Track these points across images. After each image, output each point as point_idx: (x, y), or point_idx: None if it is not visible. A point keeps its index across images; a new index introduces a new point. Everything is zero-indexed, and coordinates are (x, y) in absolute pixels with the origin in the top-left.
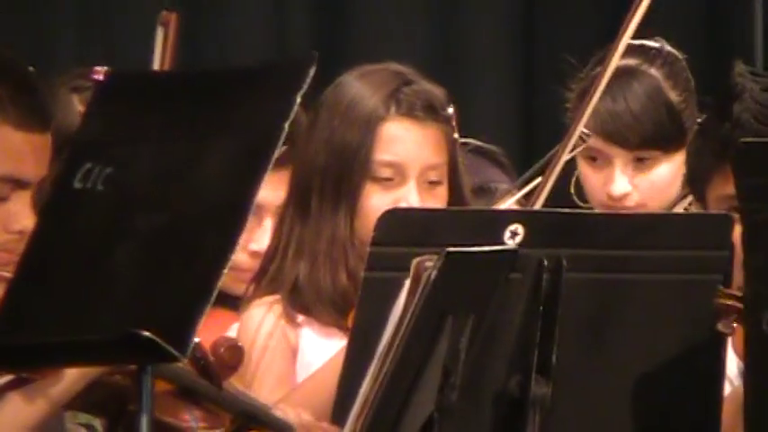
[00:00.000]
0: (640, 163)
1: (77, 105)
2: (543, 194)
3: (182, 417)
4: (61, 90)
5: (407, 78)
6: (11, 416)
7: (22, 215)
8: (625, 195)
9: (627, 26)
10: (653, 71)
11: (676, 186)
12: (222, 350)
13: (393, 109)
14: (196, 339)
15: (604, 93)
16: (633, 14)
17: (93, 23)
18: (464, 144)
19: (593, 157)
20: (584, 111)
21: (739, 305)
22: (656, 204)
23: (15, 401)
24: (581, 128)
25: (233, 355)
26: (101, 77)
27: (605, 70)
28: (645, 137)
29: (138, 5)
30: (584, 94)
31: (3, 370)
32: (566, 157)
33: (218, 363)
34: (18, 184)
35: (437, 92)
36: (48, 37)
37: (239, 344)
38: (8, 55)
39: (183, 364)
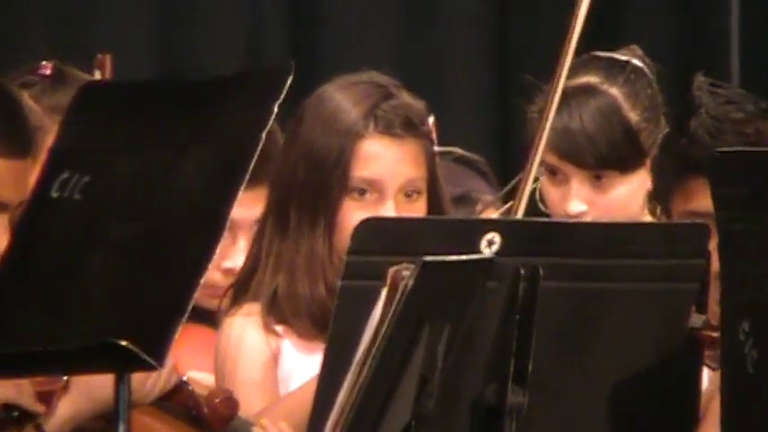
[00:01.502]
0: (598, 181)
1: (28, 101)
2: (522, 204)
3: None
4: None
5: (388, 92)
6: None
7: (1, 239)
8: (581, 214)
9: (569, 41)
10: (613, 90)
11: (637, 203)
12: (217, 401)
13: (372, 126)
14: (190, 387)
15: (563, 110)
16: (573, 30)
17: (68, 24)
18: (447, 153)
19: (553, 171)
20: (543, 126)
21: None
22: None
23: None
24: (543, 144)
25: (228, 407)
26: (48, 72)
27: (555, 86)
28: (600, 157)
29: (114, 10)
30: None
31: None
32: (533, 174)
33: (211, 414)
34: None
35: (416, 106)
36: (20, 39)
37: (234, 395)
38: None
39: (177, 415)
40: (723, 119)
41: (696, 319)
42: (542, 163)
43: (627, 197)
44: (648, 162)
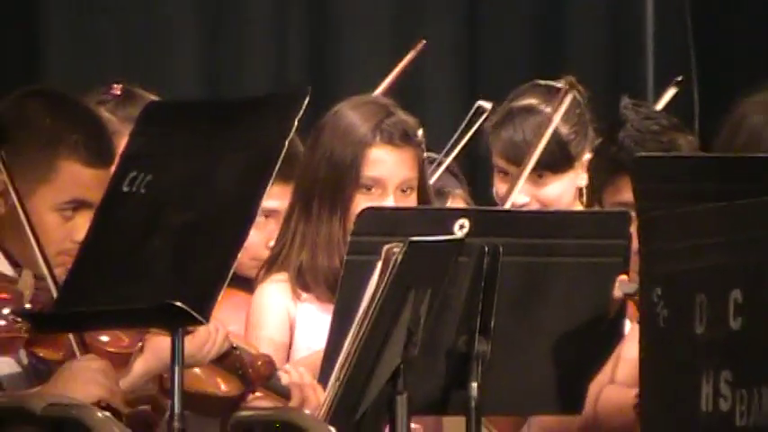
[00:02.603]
0: (537, 179)
1: (105, 114)
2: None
3: (216, 384)
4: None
5: (389, 110)
6: None
7: (84, 229)
8: (523, 205)
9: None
10: (548, 110)
11: (569, 196)
12: (259, 363)
13: (378, 138)
14: (237, 352)
15: (509, 125)
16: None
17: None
18: (427, 157)
19: (503, 172)
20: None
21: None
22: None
23: None
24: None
25: (267, 369)
26: (118, 92)
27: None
28: (537, 161)
29: (169, 44)
30: (503, 122)
31: (66, 331)
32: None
33: (254, 373)
34: (83, 204)
35: (411, 121)
36: (96, 58)
37: (272, 359)
38: (83, 105)
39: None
40: (645, 131)
41: (630, 287)
42: (495, 166)
43: (559, 192)
44: (577, 164)
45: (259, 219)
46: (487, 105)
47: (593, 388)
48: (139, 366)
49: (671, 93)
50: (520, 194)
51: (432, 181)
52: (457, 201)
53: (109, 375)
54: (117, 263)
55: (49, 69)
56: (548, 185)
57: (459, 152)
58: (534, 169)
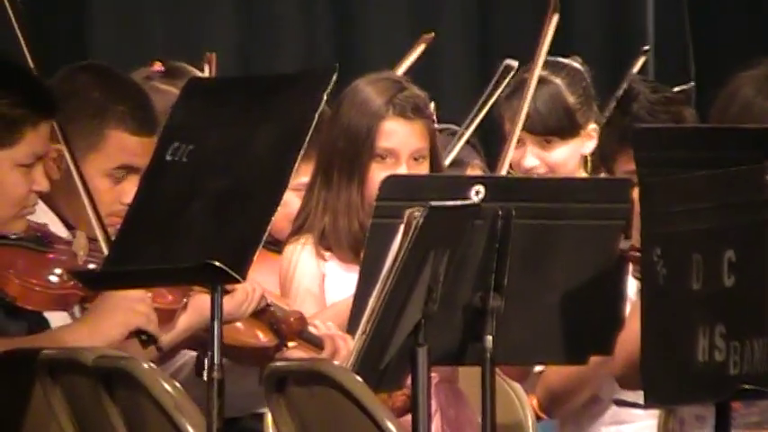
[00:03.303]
0: (546, 144)
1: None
2: (505, 165)
3: (255, 336)
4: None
5: (402, 86)
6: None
7: (132, 193)
8: (533, 168)
9: (540, 48)
10: (558, 80)
11: (574, 161)
12: (292, 319)
13: (391, 111)
14: (272, 308)
15: (520, 93)
16: (543, 39)
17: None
18: (446, 129)
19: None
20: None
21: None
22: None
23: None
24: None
25: (300, 324)
26: (162, 69)
27: (530, 77)
28: (546, 127)
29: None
30: (514, 92)
31: (115, 289)
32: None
33: (287, 328)
34: (131, 170)
35: (422, 95)
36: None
37: (304, 315)
38: (128, 79)
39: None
40: (656, 102)
41: (624, 243)
42: (508, 134)
43: (566, 156)
44: (583, 133)
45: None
46: (514, 63)
47: (618, 345)
48: (183, 322)
49: (641, 61)
50: (530, 158)
51: (455, 151)
52: (475, 170)
53: (147, 305)
54: (161, 225)
55: (94, 47)
56: (554, 150)
57: (485, 115)
58: (543, 134)
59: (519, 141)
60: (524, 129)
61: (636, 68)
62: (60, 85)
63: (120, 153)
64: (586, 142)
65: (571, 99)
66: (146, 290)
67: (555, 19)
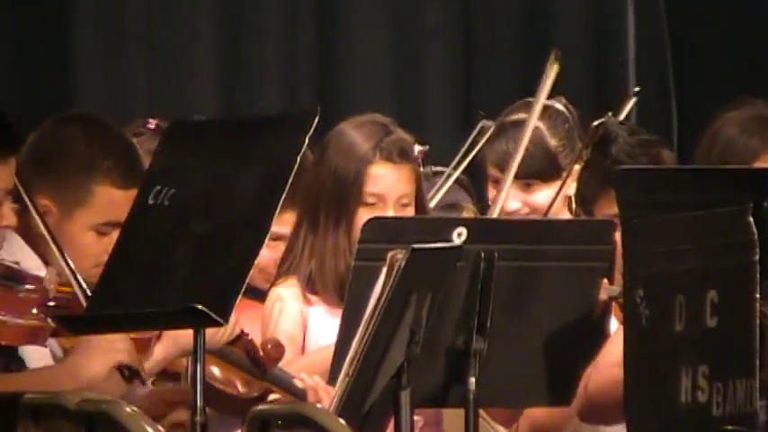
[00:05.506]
0: (527, 187)
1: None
2: (495, 212)
3: (233, 385)
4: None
5: (388, 129)
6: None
7: None
8: (516, 210)
9: (539, 96)
10: (540, 123)
11: (557, 204)
12: (269, 346)
13: (378, 156)
14: (249, 337)
15: (502, 138)
16: (542, 89)
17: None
18: (440, 172)
19: (496, 181)
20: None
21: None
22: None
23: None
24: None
25: (276, 351)
26: (153, 126)
27: (527, 126)
28: (527, 170)
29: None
30: (497, 135)
31: (98, 332)
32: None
33: (265, 356)
34: (117, 224)
35: (408, 139)
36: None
37: (281, 343)
38: (115, 130)
39: (239, 355)
40: (634, 144)
41: (614, 290)
42: (489, 176)
43: (547, 199)
44: (564, 174)
45: (270, 242)
46: (490, 124)
47: (582, 380)
48: (159, 352)
49: (632, 103)
50: (512, 200)
51: (442, 192)
52: (468, 214)
53: (126, 341)
54: (144, 269)
55: (80, 96)
56: (536, 192)
57: (466, 167)
58: (524, 177)
59: (497, 183)
60: (502, 171)
61: (627, 109)
62: (46, 138)
63: (108, 208)
64: (570, 183)
65: (553, 142)
66: None
67: (555, 69)
